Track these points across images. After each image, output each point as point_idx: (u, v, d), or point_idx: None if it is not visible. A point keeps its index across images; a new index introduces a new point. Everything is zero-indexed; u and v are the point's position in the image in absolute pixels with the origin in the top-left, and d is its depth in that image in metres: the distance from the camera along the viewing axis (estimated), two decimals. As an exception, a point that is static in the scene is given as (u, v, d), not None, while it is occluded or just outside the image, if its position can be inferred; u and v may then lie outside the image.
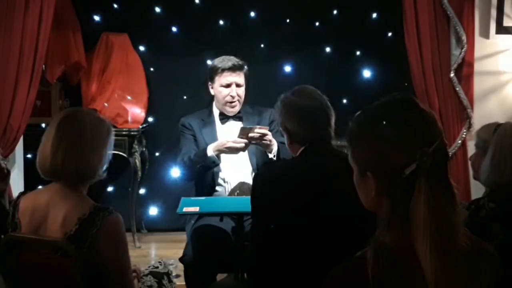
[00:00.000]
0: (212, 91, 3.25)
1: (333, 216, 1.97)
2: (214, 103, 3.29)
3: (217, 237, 2.87)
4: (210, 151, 3.01)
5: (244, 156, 3.17)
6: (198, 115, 3.32)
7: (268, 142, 3.00)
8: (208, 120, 3.27)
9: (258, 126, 3.02)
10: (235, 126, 3.20)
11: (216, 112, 3.28)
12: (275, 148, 3.03)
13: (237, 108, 3.22)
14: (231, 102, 3.19)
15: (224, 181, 3.18)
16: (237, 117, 3.24)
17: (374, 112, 1.27)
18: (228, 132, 3.18)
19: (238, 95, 3.19)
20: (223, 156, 3.07)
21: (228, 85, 3.17)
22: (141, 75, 4.63)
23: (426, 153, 1.15)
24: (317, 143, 2.14)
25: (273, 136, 3.16)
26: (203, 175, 3.13)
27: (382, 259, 1.14)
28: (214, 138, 3.15)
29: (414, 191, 1.15)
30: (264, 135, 2.98)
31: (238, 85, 3.19)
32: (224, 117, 3.25)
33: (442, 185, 1.17)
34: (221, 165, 3.12)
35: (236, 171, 3.18)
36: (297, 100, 2.19)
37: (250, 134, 2.96)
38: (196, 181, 3.24)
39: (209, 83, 3.26)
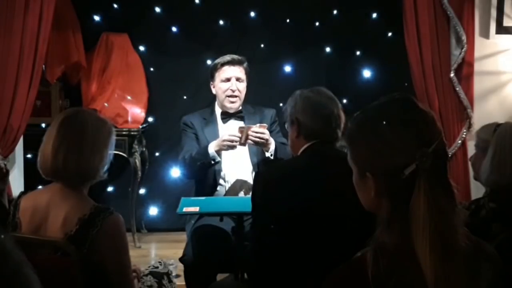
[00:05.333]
0: (213, 90, 3.24)
1: (334, 216, 1.97)
2: (216, 103, 3.29)
3: (217, 237, 2.87)
4: (211, 148, 3.01)
5: (245, 155, 3.17)
6: (200, 114, 3.30)
7: (265, 142, 2.99)
8: (210, 119, 3.25)
9: (258, 125, 3.01)
10: (236, 126, 3.19)
11: (218, 111, 3.26)
12: (272, 147, 3.02)
13: (237, 104, 3.21)
14: (231, 97, 3.17)
15: (225, 181, 3.18)
16: (238, 116, 3.23)
17: (373, 112, 1.27)
18: (229, 131, 3.17)
19: (239, 90, 3.17)
20: (224, 155, 3.06)
21: (227, 79, 3.16)
22: (141, 75, 4.64)
23: (426, 153, 1.15)
24: (323, 142, 2.15)
25: (274, 136, 3.16)
26: (204, 173, 3.12)
27: (382, 260, 1.14)
28: (216, 137, 3.14)
29: (413, 191, 1.15)
30: (262, 133, 2.96)
31: (238, 79, 3.17)
32: (225, 117, 3.24)
33: (441, 185, 1.17)
34: (222, 164, 3.12)
35: (237, 170, 3.18)
36: (314, 97, 2.21)
37: (249, 133, 2.95)
38: (197, 180, 3.23)
39: (210, 82, 3.25)
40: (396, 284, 1.12)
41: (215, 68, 3.21)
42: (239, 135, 2.95)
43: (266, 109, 3.34)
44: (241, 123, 3.20)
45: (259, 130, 2.97)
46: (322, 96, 2.21)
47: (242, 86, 3.20)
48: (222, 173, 3.17)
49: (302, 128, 2.17)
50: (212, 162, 3.02)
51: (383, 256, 1.14)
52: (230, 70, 3.17)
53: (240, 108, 3.25)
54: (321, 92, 2.23)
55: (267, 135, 2.99)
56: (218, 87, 3.19)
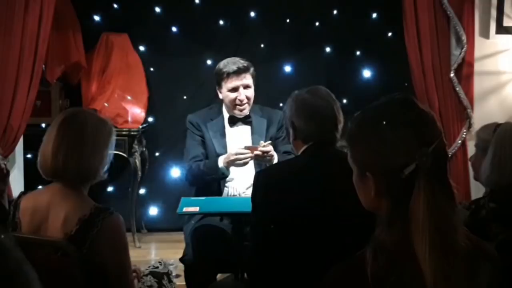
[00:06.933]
0: (220, 96, 3.19)
1: (334, 216, 1.97)
2: (223, 106, 3.24)
3: (217, 237, 2.87)
4: (221, 162, 3.00)
5: (249, 166, 3.12)
6: (206, 113, 3.26)
7: (269, 158, 2.96)
8: (217, 121, 3.21)
9: (265, 143, 2.97)
10: (244, 130, 3.19)
11: (226, 115, 3.22)
12: (275, 161, 2.99)
13: (246, 111, 3.17)
14: (240, 105, 3.13)
15: (229, 188, 3.17)
16: (246, 121, 3.21)
17: (374, 112, 1.27)
18: (236, 136, 3.18)
19: (247, 98, 3.12)
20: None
21: (235, 89, 3.11)
22: (141, 75, 4.63)
23: (426, 153, 1.15)
24: (320, 143, 2.14)
25: (280, 143, 3.15)
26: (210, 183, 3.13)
27: (382, 258, 1.14)
28: (223, 142, 3.14)
29: (413, 191, 1.15)
30: (267, 152, 2.94)
31: (245, 87, 3.13)
32: (233, 121, 3.20)
33: (441, 185, 1.17)
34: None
35: (241, 178, 3.17)
36: (309, 99, 2.18)
37: (255, 152, 2.93)
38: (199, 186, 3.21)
39: (217, 87, 3.19)
40: (395, 283, 1.12)
41: (221, 77, 3.13)
42: (248, 151, 2.94)
43: (274, 112, 3.30)
44: (248, 128, 3.20)
45: (265, 150, 2.94)
46: (317, 98, 2.18)
47: (250, 92, 3.15)
48: (226, 181, 3.16)
49: (298, 132, 2.17)
50: (222, 174, 3.03)
51: (383, 255, 1.14)
52: (237, 80, 3.10)
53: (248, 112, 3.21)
54: (317, 93, 2.21)
55: (272, 151, 2.97)
56: (226, 95, 3.14)
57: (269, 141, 3.01)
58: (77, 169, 1.95)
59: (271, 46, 4.81)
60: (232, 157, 2.94)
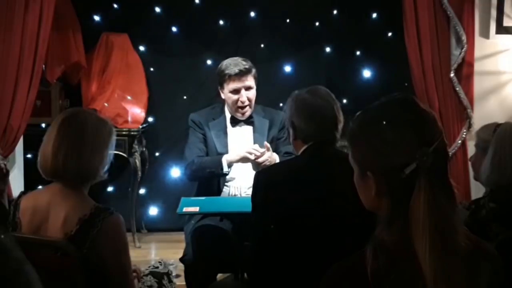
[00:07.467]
0: (222, 96, 3.19)
1: (334, 216, 1.97)
2: (226, 106, 3.24)
3: (217, 237, 2.87)
4: (225, 161, 3.01)
5: (251, 165, 3.14)
6: (208, 113, 3.27)
7: (267, 163, 2.98)
8: (218, 121, 3.22)
9: (264, 150, 3.00)
10: (246, 130, 3.20)
11: (228, 115, 3.23)
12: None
13: (248, 113, 3.17)
14: (242, 108, 3.14)
15: (229, 187, 3.18)
16: (248, 121, 3.21)
17: (375, 112, 1.27)
18: (238, 136, 3.18)
19: (249, 99, 3.12)
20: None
21: (237, 91, 3.11)
22: (141, 75, 4.64)
23: (426, 153, 1.15)
24: (320, 143, 2.15)
25: (281, 144, 3.16)
26: (209, 179, 3.13)
27: (382, 258, 1.14)
28: (224, 141, 3.15)
29: (413, 190, 1.15)
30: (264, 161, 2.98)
31: (247, 89, 3.12)
32: (235, 120, 3.20)
33: (442, 185, 1.17)
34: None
35: (242, 179, 3.17)
36: (309, 98, 2.19)
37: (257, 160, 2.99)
38: (200, 183, 3.22)
39: (218, 87, 3.20)
40: (395, 282, 1.12)
41: (223, 78, 3.13)
42: (259, 152, 2.98)
43: (276, 113, 3.30)
44: (250, 128, 3.20)
45: (261, 160, 2.97)
46: (317, 98, 2.18)
47: (252, 93, 3.14)
48: (227, 180, 3.16)
49: (298, 131, 2.18)
50: (221, 170, 3.03)
51: (383, 254, 1.14)
52: (239, 82, 3.10)
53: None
54: (317, 93, 2.21)
55: (267, 161, 2.99)
56: (228, 96, 3.14)
57: (264, 150, 3.01)
58: (77, 169, 1.95)
59: (271, 46, 4.81)
60: (243, 154, 2.98)
